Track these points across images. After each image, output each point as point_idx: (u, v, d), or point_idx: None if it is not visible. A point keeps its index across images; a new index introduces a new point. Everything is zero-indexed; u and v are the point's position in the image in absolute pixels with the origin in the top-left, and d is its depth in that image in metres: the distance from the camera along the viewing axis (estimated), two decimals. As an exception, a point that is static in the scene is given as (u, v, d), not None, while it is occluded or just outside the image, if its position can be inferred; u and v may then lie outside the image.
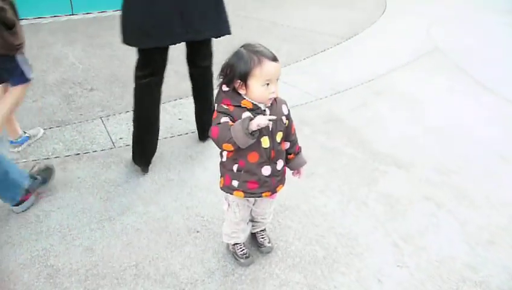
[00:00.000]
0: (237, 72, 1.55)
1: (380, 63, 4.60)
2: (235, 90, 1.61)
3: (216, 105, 1.63)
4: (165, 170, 2.78)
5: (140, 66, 2.46)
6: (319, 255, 2.19)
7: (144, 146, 2.68)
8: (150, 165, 2.78)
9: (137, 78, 2.50)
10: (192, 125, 3.25)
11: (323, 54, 4.77)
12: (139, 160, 2.71)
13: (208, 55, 2.76)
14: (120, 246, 2.21)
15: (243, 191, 1.78)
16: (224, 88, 1.62)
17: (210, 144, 3.05)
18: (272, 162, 1.75)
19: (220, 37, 2.54)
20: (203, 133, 3.03)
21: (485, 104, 3.89)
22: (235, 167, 1.73)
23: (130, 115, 3.36)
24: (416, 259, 2.20)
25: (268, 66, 1.55)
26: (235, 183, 1.76)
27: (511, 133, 3.42)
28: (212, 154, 2.93)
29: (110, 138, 3.09)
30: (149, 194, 2.57)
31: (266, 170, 1.75)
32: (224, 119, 1.56)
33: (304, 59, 4.58)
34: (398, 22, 5.95)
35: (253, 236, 2.22)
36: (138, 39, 2.30)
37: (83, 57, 4.37)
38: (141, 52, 2.40)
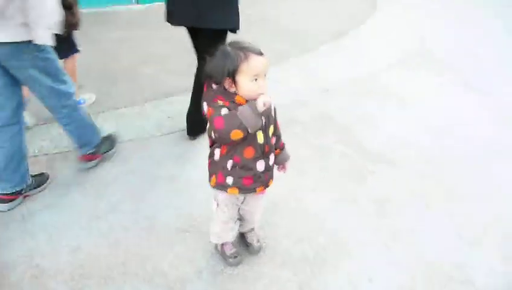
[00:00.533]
0: (225, 70, 1.54)
1: (371, 61, 4.61)
2: (225, 89, 1.60)
3: (205, 104, 1.60)
4: (154, 168, 2.74)
5: None
6: (308, 254, 2.18)
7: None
8: (139, 163, 2.75)
9: None
10: (182, 124, 3.22)
11: (313, 51, 4.76)
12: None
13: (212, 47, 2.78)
14: (107, 246, 2.18)
15: (237, 187, 1.76)
16: (214, 86, 1.60)
17: (200, 142, 3.03)
18: (266, 156, 1.75)
19: (224, 29, 2.62)
20: (193, 129, 3.01)
21: (474, 102, 3.91)
22: (229, 164, 1.71)
23: (119, 113, 3.35)
24: (406, 257, 2.20)
25: (255, 60, 1.55)
26: (229, 180, 1.74)
27: (501, 131, 3.44)
28: (201, 152, 2.89)
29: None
30: (138, 192, 2.54)
31: (261, 165, 1.74)
32: (224, 110, 1.54)
33: (295, 57, 4.57)
34: (390, 20, 5.97)
35: (241, 236, 2.21)
36: (167, 17, 2.71)
37: (73, 54, 4.30)
38: None
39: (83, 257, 2.10)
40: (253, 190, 1.80)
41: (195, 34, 2.76)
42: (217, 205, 1.91)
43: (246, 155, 1.69)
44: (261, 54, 1.59)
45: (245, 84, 1.56)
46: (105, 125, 3.15)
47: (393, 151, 3.08)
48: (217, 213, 1.95)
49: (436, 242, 2.31)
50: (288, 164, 1.99)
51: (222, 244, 2.10)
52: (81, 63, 4.12)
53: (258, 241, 2.18)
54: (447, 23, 6.00)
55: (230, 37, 2.21)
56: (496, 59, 4.96)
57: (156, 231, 2.27)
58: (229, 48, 1.58)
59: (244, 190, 1.78)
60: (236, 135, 1.53)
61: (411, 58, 4.74)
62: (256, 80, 1.56)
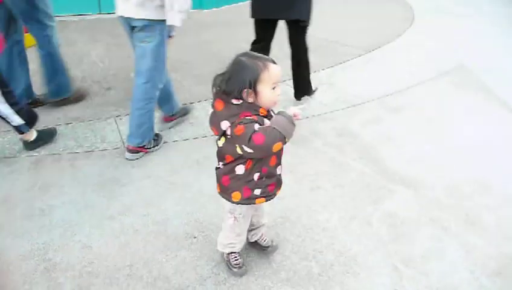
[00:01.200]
0: (247, 81, 1.54)
1: (401, 77, 4.50)
2: (248, 102, 1.59)
3: (226, 122, 1.58)
4: (170, 174, 2.79)
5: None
6: (314, 271, 2.15)
7: None
8: (155, 169, 2.81)
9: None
10: (202, 130, 3.27)
11: (343, 65, 4.71)
12: None
13: (293, 34, 3.48)
14: (117, 246, 2.23)
15: (265, 196, 1.81)
16: (235, 102, 1.58)
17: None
18: (281, 160, 1.81)
19: (293, 20, 3.30)
20: (297, 92, 3.73)
21: (509, 126, 3.74)
22: (256, 176, 1.72)
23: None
24: (415, 285, 2.13)
25: (273, 69, 1.58)
26: (257, 191, 1.77)
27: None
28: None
29: (121, 137, 3.13)
30: (151, 196, 2.59)
31: (279, 169, 1.82)
32: (257, 125, 1.55)
33: (323, 69, 4.53)
34: (425, 36, 5.82)
35: (254, 244, 2.21)
36: (251, 12, 3.31)
37: (104, 56, 4.47)
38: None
39: (92, 256, 2.17)
40: (275, 194, 1.87)
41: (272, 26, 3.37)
42: (235, 218, 1.91)
43: (271, 163, 1.75)
44: (274, 62, 1.61)
45: (266, 93, 1.57)
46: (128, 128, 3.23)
47: (415, 173, 2.98)
48: (232, 227, 1.94)
49: (450, 270, 2.22)
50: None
51: (228, 253, 2.11)
52: (113, 65, 4.28)
53: (272, 241, 2.21)
54: (488, 42, 5.78)
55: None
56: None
57: (164, 235, 2.31)
58: (244, 58, 1.59)
59: (270, 196, 1.84)
60: (278, 147, 1.56)
61: (445, 77, 4.60)
62: (274, 88, 1.59)
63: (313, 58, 4.81)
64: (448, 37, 5.82)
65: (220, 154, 1.75)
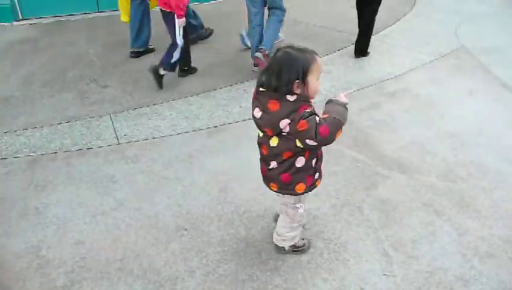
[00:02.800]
0: (299, 72, 1.59)
1: (399, 62, 4.44)
2: (299, 96, 1.63)
3: (291, 120, 1.61)
4: (162, 168, 2.82)
5: None
6: (303, 260, 2.15)
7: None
8: (148, 163, 2.84)
9: None
10: (197, 123, 3.29)
11: (340, 52, 4.66)
12: None
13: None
14: (109, 241, 2.27)
15: (319, 177, 1.93)
16: (290, 98, 1.62)
17: (210, 144, 3.07)
18: None
19: None
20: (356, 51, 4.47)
21: (508, 108, 3.67)
22: (313, 162, 1.81)
23: (138, 112, 3.46)
24: (405, 269, 2.12)
25: (319, 60, 1.67)
26: (316, 176, 1.88)
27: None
28: (211, 154, 2.95)
29: (116, 134, 3.17)
30: (144, 190, 2.62)
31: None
32: (317, 117, 1.63)
33: (320, 57, 4.47)
34: (425, 19, 5.70)
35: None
36: None
37: (102, 54, 4.50)
38: None
39: (85, 251, 2.21)
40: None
41: None
42: (303, 208, 1.97)
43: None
44: (317, 54, 1.70)
45: (314, 84, 1.63)
46: (123, 125, 3.27)
47: (411, 158, 2.96)
48: (301, 217, 2.00)
49: (441, 253, 2.21)
50: None
51: (294, 243, 2.11)
52: (111, 63, 4.32)
53: None
54: (491, 23, 5.65)
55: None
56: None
57: (156, 228, 2.34)
58: (292, 51, 1.63)
59: (321, 176, 1.94)
60: (339, 133, 1.66)
61: (444, 60, 4.51)
62: (318, 79, 1.66)
63: (310, 45, 4.79)
64: (449, 19, 5.70)
65: (275, 154, 1.75)
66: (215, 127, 3.28)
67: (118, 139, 3.11)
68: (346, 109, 1.68)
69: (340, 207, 2.50)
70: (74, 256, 2.18)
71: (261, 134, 1.80)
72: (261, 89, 1.67)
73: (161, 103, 3.59)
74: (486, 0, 6.60)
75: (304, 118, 1.59)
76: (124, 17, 4.33)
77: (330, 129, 1.60)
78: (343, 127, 1.68)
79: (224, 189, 2.62)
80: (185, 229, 2.33)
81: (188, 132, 3.22)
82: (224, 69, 4.21)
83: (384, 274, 2.09)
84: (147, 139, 3.12)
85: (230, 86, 3.87)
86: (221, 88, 3.83)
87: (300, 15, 5.59)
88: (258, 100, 1.70)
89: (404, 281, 2.06)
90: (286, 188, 1.84)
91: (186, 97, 3.68)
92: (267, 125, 1.68)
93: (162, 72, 3.69)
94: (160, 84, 3.74)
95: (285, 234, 2.06)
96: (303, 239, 2.18)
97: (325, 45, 4.77)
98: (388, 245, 2.26)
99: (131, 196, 2.58)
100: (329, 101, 1.71)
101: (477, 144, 3.12)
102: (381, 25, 5.17)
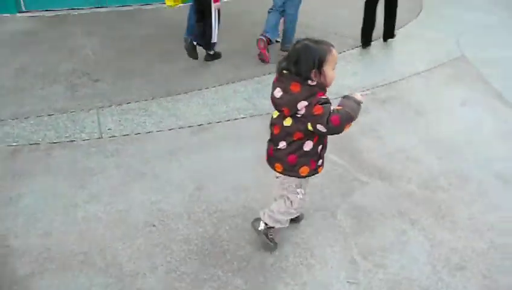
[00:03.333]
0: (316, 62, 1.71)
1: (395, 69, 4.39)
2: (318, 83, 1.76)
3: (309, 103, 1.73)
4: (141, 163, 2.82)
5: None
6: (267, 262, 2.13)
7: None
8: (128, 159, 2.84)
9: None
10: (182, 122, 3.28)
11: (339, 56, 4.62)
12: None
13: None
14: (77, 233, 2.27)
15: (322, 164, 2.02)
16: (311, 83, 1.75)
17: (191, 140, 3.06)
18: None
19: None
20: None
21: (500, 119, 3.60)
22: (319, 148, 1.93)
23: (126, 108, 3.47)
24: (370, 277, 2.09)
25: (334, 51, 1.77)
26: (320, 162, 1.98)
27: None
28: (192, 153, 2.94)
29: (100, 128, 3.18)
30: (119, 185, 2.62)
31: None
32: (331, 107, 1.75)
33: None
34: (429, 27, 5.63)
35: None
36: None
37: (98, 49, 4.53)
38: None
39: (50, 242, 2.21)
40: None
41: None
42: (302, 194, 2.05)
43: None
44: (333, 46, 1.80)
45: (330, 73, 1.75)
46: (108, 119, 3.28)
47: (392, 166, 2.91)
48: (301, 201, 2.07)
49: (410, 263, 2.16)
50: None
51: (269, 228, 2.14)
52: (106, 58, 4.35)
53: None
54: (494, 33, 5.56)
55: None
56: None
57: (125, 224, 2.34)
58: (309, 43, 1.75)
59: (323, 163, 2.03)
60: (348, 127, 1.78)
61: (441, 69, 4.45)
62: (333, 68, 1.76)
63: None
64: (453, 28, 5.63)
65: (287, 133, 1.86)
66: (200, 125, 3.27)
67: (101, 133, 3.12)
68: (360, 106, 1.79)
69: (313, 211, 2.47)
70: (39, 247, 2.18)
71: (275, 115, 1.91)
72: (284, 72, 1.79)
73: (150, 99, 3.59)
74: (494, 10, 6.50)
75: (320, 103, 1.72)
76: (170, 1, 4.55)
77: (341, 120, 1.72)
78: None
79: (199, 187, 2.61)
80: (154, 226, 2.32)
81: (172, 129, 3.22)
82: (215, 68, 4.21)
83: (348, 281, 2.06)
84: (129, 135, 3.12)
85: (220, 85, 3.86)
86: (210, 88, 3.82)
87: (302, 18, 5.56)
88: (280, 81, 1.81)
89: (367, 290, 2.03)
90: (291, 170, 1.93)
91: (175, 95, 3.68)
92: (286, 105, 1.79)
93: (211, 52, 4.29)
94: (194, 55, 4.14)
95: (276, 214, 2.08)
96: (274, 235, 2.19)
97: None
98: (357, 252, 2.22)
99: (106, 190, 2.58)
100: (345, 96, 1.83)
101: (462, 155, 3.06)
102: (382, 32, 5.12)
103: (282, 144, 1.89)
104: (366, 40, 4.86)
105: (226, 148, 2.99)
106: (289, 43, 4.25)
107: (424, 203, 2.59)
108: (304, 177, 1.97)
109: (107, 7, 5.66)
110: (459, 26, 5.73)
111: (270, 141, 1.99)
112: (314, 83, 1.74)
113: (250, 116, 3.39)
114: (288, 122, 1.83)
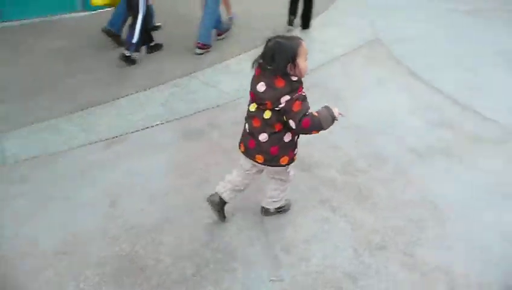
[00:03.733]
0: (291, 56, 1.83)
1: (313, 57, 4.38)
2: (299, 78, 1.89)
3: (289, 96, 1.84)
4: (50, 187, 2.62)
5: None
6: (187, 273, 2.05)
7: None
8: (35, 184, 2.63)
9: None
10: (95, 136, 3.10)
11: (253, 51, 4.59)
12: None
13: None
14: (-23, 275, 2.06)
15: (296, 151, 2.13)
16: (294, 78, 1.87)
17: (104, 157, 2.90)
18: None
19: None
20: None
21: (415, 96, 3.74)
22: (296, 138, 2.05)
23: (33, 128, 3.21)
24: (293, 272, 2.07)
25: (304, 44, 1.89)
26: (295, 151, 2.11)
27: (433, 127, 3.27)
28: (104, 168, 2.78)
29: (4, 154, 2.92)
30: (25, 214, 2.41)
31: None
32: (309, 106, 1.88)
33: (232, 57, 4.41)
34: (344, 13, 5.77)
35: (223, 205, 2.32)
36: None
37: (1, 66, 4.18)
38: None
39: None
40: None
41: None
42: (292, 172, 2.25)
43: None
44: (302, 39, 1.92)
45: (303, 65, 1.87)
46: (12, 143, 3.03)
47: (311, 154, 2.92)
48: (292, 177, 2.27)
49: (333, 251, 2.18)
50: None
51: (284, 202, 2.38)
52: (10, 75, 4.02)
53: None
54: (407, 15, 5.81)
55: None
56: (448, 51, 4.77)
57: (32, 256, 2.15)
58: (281, 40, 1.87)
59: (297, 148, 2.14)
60: (315, 133, 1.90)
61: (357, 53, 4.56)
62: (305, 59, 1.88)
63: (225, 46, 4.71)
64: (367, 13, 5.81)
65: (268, 124, 1.95)
66: (114, 138, 3.11)
67: (5, 159, 2.87)
68: (333, 122, 1.90)
69: (231, 212, 2.40)
70: None
71: (253, 108, 1.99)
72: (269, 67, 1.87)
73: (59, 117, 3.35)
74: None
75: (300, 100, 1.84)
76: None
77: (310, 125, 1.85)
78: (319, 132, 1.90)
79: (113, 204, 2.47)
80: (64, 253, 2.16)
81: (84, 145, 3.03)
82: (131, 74, 4.03)
83: (271, 280, 2.02)
84: (38, 157, 2.89)
85: (136, 92, 3.69)
86: (125, 96, 3.65)
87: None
88: (263, 76, 1.90)
89: (291, 285, 2.00)
90: (272, 160, 2.04)
91: (86, 108, 3.46)
92: (270, 99, 1.88)
93: (127, 53, 4.04)
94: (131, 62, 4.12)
95: (278, 196, 2.29)
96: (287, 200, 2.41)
97: (238, 44, 4.70)
98: (279, 248, 2.20)
99: (9, 221, 2.36)
100: (325, 107, 1.92)
101: (380, 135, 3.14)
102: (298, 22, 5.17)
103: (263, 136, 1.98)
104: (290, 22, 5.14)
105: (140, 158, 2.86)
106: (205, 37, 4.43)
107: (344, 189, 2.62)
108: (284, 166, 2.09)
109: (5, 22, 5.20)
110: (371, 10, 5.93)
111: (249, 134, 2.05)
112: (296, 79, 1.87)
113: (167, 122, 3.27)
114: (267, 115, 1.93)
